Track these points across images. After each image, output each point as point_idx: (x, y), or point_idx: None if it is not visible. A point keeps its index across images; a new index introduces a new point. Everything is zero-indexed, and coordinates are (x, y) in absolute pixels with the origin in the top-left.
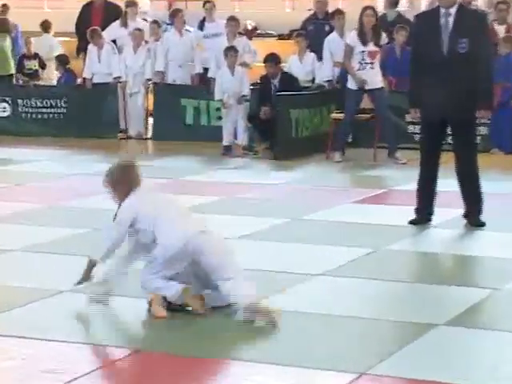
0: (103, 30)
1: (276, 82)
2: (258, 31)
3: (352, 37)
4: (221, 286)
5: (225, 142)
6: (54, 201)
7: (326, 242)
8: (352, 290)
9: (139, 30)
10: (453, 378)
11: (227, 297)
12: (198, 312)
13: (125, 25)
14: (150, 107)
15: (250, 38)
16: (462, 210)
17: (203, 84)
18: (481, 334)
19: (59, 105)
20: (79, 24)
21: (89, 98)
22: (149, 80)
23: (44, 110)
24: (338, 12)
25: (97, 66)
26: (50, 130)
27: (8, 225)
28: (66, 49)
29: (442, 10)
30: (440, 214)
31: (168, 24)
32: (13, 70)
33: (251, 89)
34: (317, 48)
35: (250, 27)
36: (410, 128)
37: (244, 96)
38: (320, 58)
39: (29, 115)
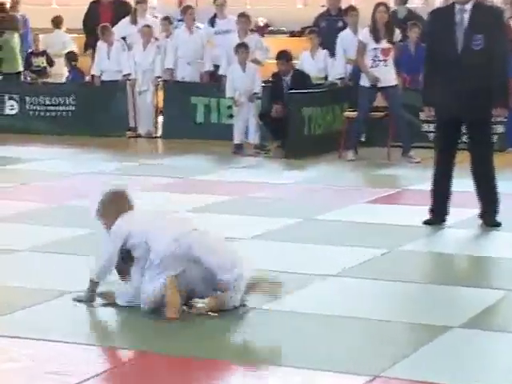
0: (112, 27)
1: (288, 79)
2: (270, 28)
3: (364, 33)
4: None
5: (236, 141)
6: (59, 200)
7: (339, 243)
8: (365, 291)
9: (148, 26)
10: (468, 380)
11: (237, 296)
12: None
13: (134, 22)
14: (160, 105)
15: (262, 35)
16: (477, 210)
17: (214, 81)
18: (496, 337)
19: (67, 102)
20: (87, 21)
21: (97, 96)
22: (158, 77)
23: (52, 108)
24: (352, 8)
25: (106, 63)
26: (58, 128)
27: (11, 224)
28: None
29: (457, 7)
30: (455, 214)
31: (179, 20)
32: (21, 68)
33: (263, 86)
34: (329, 45)
35: (261, 24)
36: (425, 126)
37: (255, 94)
38: (332, 55)
39: (37, 113)
